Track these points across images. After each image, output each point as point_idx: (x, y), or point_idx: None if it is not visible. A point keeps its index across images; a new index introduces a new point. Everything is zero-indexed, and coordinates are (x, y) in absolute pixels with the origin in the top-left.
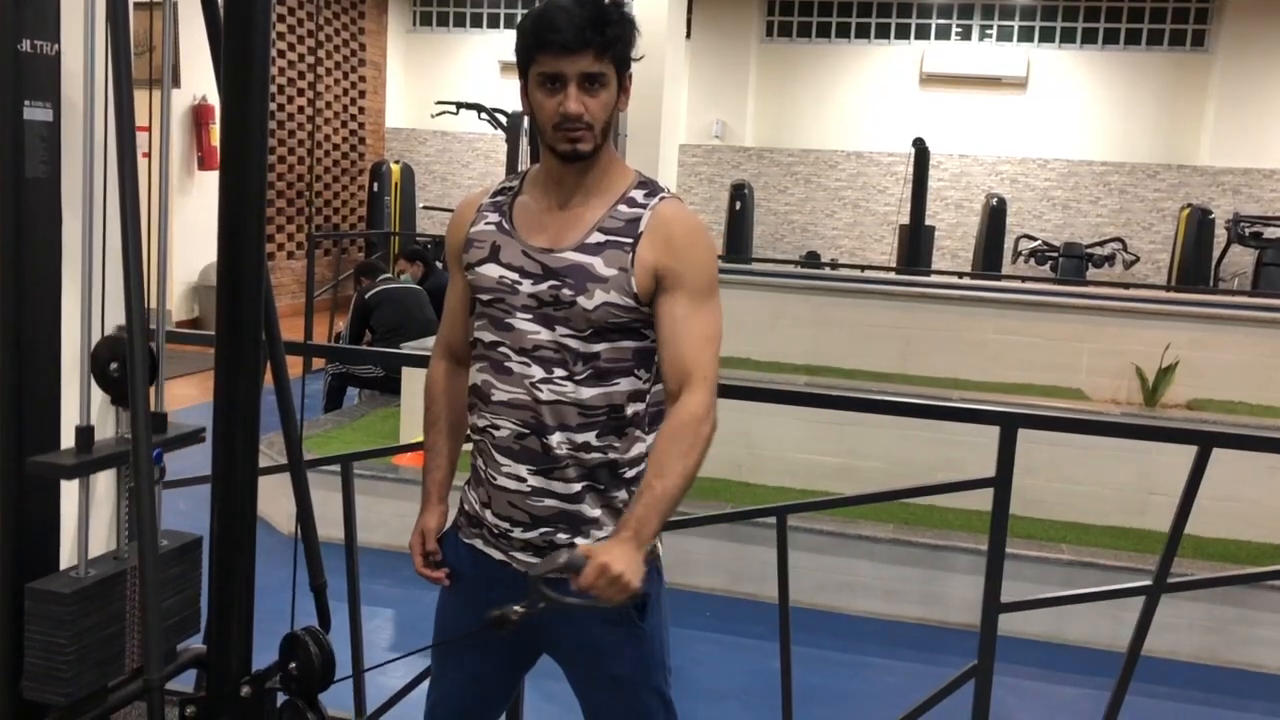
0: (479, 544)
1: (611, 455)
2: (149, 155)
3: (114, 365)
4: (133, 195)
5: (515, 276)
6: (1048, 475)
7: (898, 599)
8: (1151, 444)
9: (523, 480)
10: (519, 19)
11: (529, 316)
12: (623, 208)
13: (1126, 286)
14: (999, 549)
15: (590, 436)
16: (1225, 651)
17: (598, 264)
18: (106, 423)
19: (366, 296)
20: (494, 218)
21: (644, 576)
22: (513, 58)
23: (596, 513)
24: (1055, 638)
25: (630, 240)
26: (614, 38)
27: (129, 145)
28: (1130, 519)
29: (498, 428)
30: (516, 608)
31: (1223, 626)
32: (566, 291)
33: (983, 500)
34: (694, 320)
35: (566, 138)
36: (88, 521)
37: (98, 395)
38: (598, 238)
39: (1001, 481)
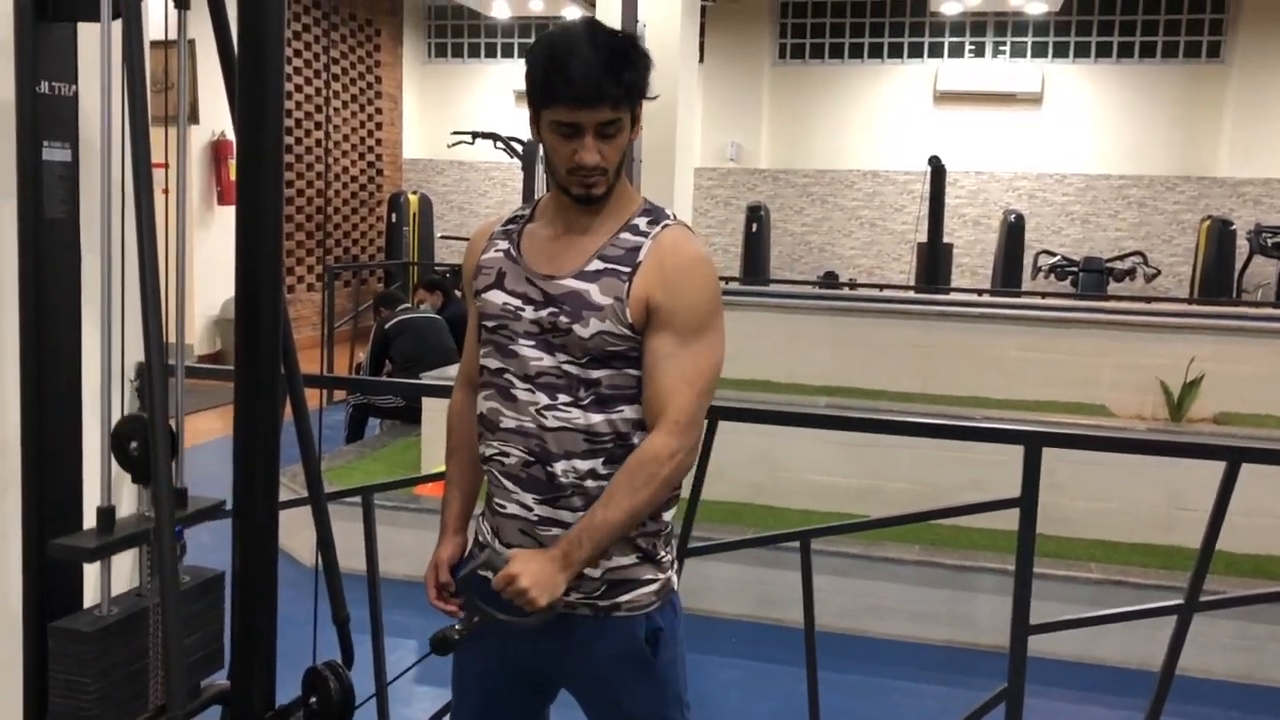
0: (491, 575)
1: None
2: (167, 192)
3: (134, 445)
4: (150, 233)
5: (518, 303)
6: (1073, 493)
7: (925, 621)
8: (1179, 459)
9: (529, 509)
10: (529, 49)
11: (531, 343)
12: (625, 235)
13: (1148, 300)
14: (1026, 570)
15: (596, 464)
16: (1261, 670)
17: (594, 292)
18: (123, 487)
19: (386, 327)
20: (503, 245)
21: (555, 598)
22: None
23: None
24: (1087, 658)
25: (628, 269)
26: (631, 84)
27: (145, 183)
28: (1159, 536)
29: (506, 455)
30: (456, 626)
31: (1259, 644)
32: (564, 319)
33: (1009, 519)
34: (676, 360)
35: (581, 184)
36: (109, 558)
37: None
38: (596, 265)
39: (1027, 502)
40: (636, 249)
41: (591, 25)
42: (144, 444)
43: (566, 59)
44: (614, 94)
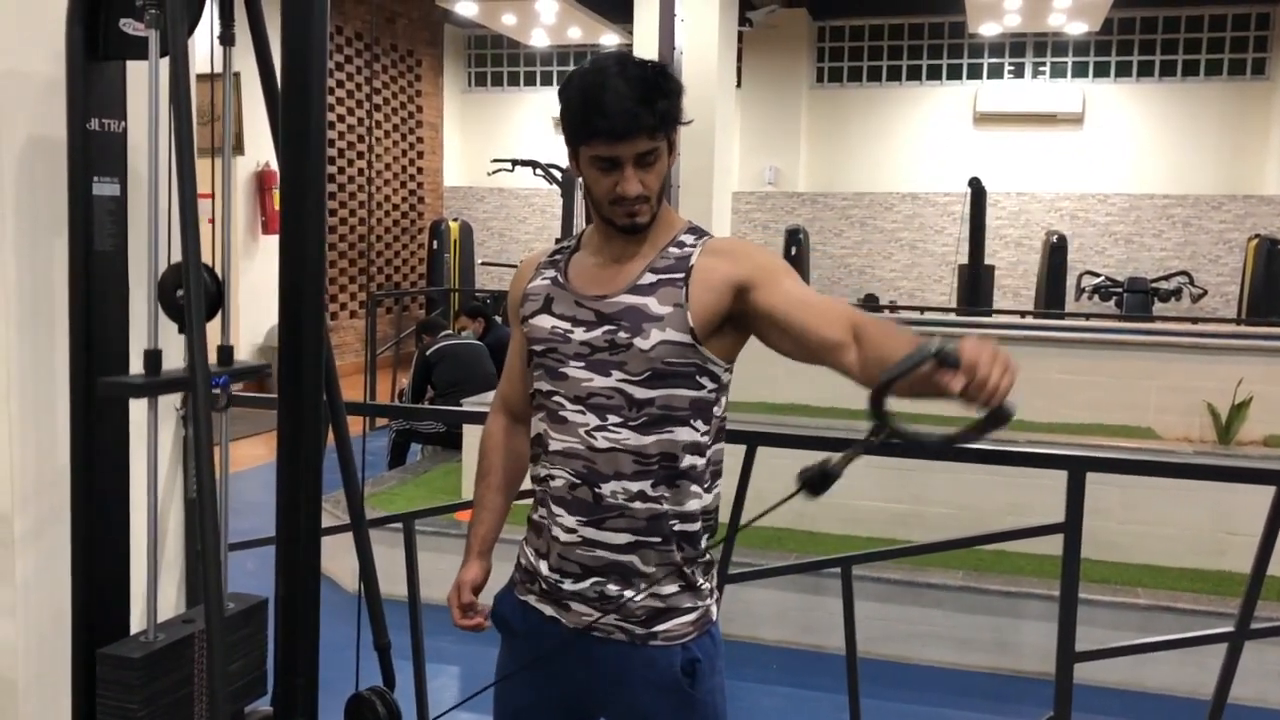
0: (532, 600)
1: (665, 506)
2: (213, 221)
3: (180, 292)
4: (196, 264)
5: (567, 326)
6: (1120, 517)
7: (969, 648)
8: (1227, 483)
9: (573, 531)
10: (561, 87)
11: (581, 364)
12: (672, 249)
13: (1195, 321)
14: (1071, 597)
15: (645, 485)
16: None
17: (652, 304)
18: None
19: (428, 353)
20: (550, 273)
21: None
22: None
23: (650, 569)
24: (1135, 685)
25: (682, 275)
26: (664, 112)
27: (191, 216)
28: (1208, 561)
29: (554, 477)
30: (839, 456)
31: None
32: (623, 335)
33: (1054, 544)
34: (808, 291)
35: (626, 214)
36: (156, 583)
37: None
38: (650, 278)
39: (1071, 527)
40: (686, 257)
41: (621, 58)
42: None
43: (600, 95)
44: (649, 124)
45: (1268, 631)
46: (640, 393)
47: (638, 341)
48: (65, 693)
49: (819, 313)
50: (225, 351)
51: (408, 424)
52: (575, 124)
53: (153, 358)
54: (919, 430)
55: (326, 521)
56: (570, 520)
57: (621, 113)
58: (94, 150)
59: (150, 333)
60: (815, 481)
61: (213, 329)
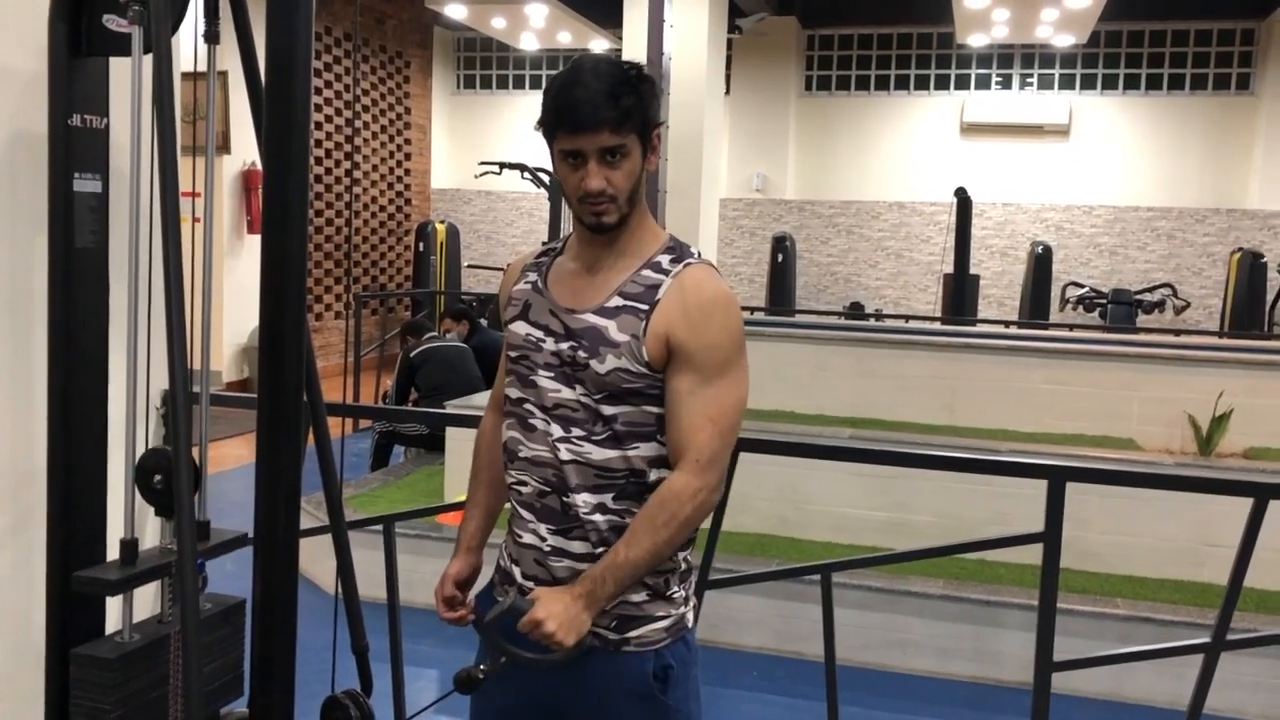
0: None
1: (628, 520)
2: (198, 221)
3: (158, 478)
4: (176, 264)
5: (540, 334)
6: (1101, 528)
7: (949, 657)
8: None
9: (543, 539)
10: (545, 88)
11: (551, 374)
12: (646, 272)
13: (1177, 333)
14: (1050, 607)
15: (607, 499)
16: None
17: (612, 329)
18: (147, 518)
19: (412, 355)
20: (532, 277)
21: (582, 636)
22: None
23: None
24: (1114, 695)
25: (646, 307)
26: (629, 108)
27: (173, 214)
28: (1188, 572)
29: (524, 484)
30: (481, 666)
31: None
32: (582, 354)
33: (1035, 553)
34: (699, 398)
35: (591, 211)
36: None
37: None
38: (616, 302)
39: (1051, 537)
40: (656, 287)
41: (600, 58)
42: (168, 477)
43: (569, 89)
44: (611, 117)
45: (1244, 643)
46: (604, 409)
47: (594, 364)
48: (39, 693)
49: (686, 424)
50: (203, 527)
51: (391, 426)
52: (546, 117)
53: (129, 547)
54: (529, 655)
55: (306, 523)
56: (540, 528)
57: (584, 103)
58: (76, 146)
59: (127, 522)
60: (462, 683)
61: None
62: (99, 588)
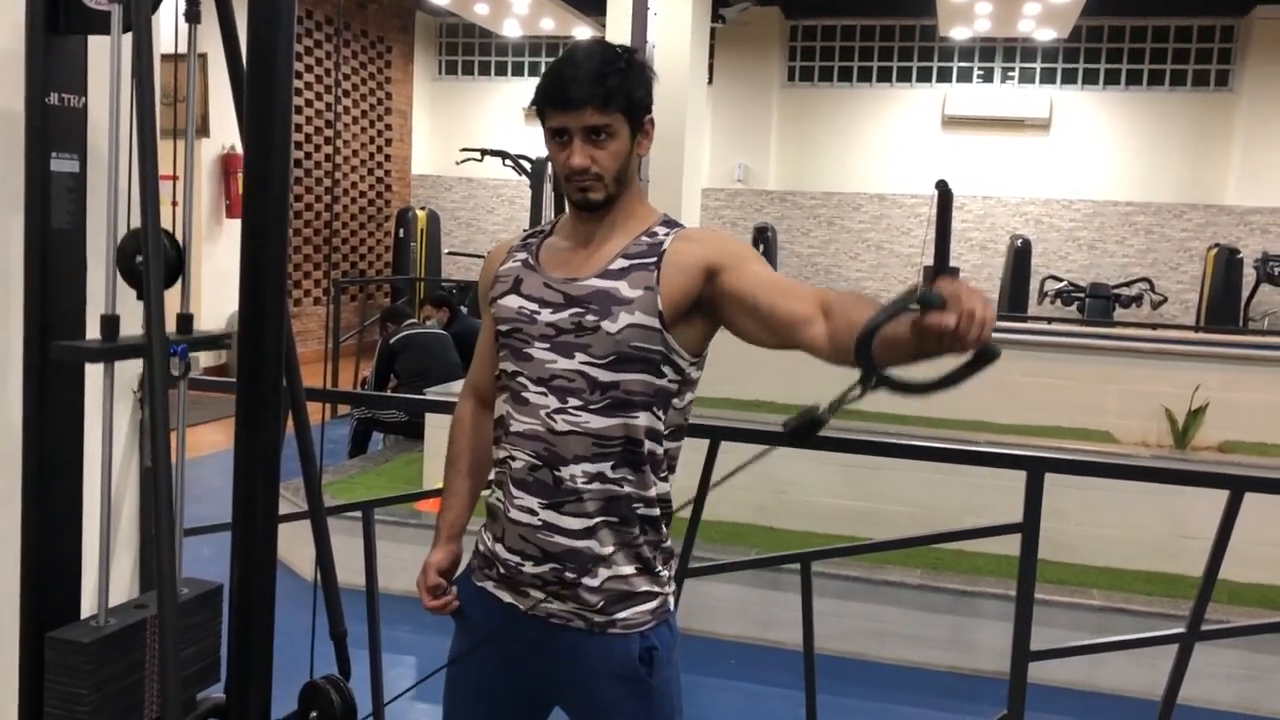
0: (489, 586)
1: (626, 489)
2: (177, 204)
3: (139, 259)
4: (156, 246)
5: (534, 307)
6: (1078, 519)
7: (926, 646)
8: (1183, 487)
9: (534, 514)
10: (543, 69)
11: (546, 346)
12: (645, 238)
13: (1154, 327)
14: (1027, 597)
15: (605, 467)
16: (1266, 700)
17: (622, 287)
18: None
19: (391, 342)
20: (522, 255)
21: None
22: None
23: (609, 550)
24: (1088, 685)
25: (654, 260)
26: (615, 89)
27: (152, 195)
28: (1163, 563)
29: (515, 459)
30: (828, 403)
31: (1263, 675)
32: (590, 318)
33: (1012, 544)
34: (760, 281)
35: (577, 188)
36: (109, 567)
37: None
38: (621, 263)
39: (1029, 527)
40: (659, 244)
41: (597, 41)
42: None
43: (560, 67)
44: (596, 94)
45: (1218, 633)
46: (603, 375)
47: (605, 324)
48: (12, 677)
49: (786, 291)
50: (185, 320)
51: (370, 412)
52: (537, 95)
53: (110, 323)
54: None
55: (284, 509)
56: (531, 502)
57: (571, 81)
58: (53, 125)
59: (108, 299)
60: (802, 430)
61: (173, 296)
62: (79, 355)
